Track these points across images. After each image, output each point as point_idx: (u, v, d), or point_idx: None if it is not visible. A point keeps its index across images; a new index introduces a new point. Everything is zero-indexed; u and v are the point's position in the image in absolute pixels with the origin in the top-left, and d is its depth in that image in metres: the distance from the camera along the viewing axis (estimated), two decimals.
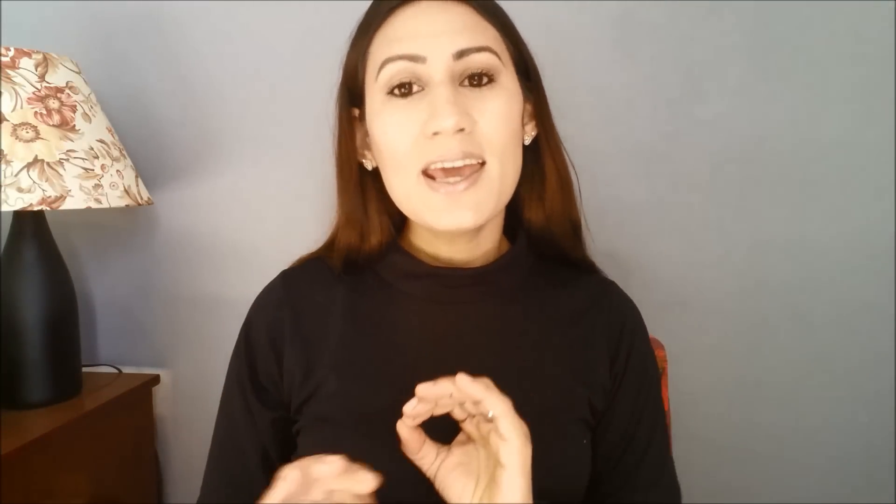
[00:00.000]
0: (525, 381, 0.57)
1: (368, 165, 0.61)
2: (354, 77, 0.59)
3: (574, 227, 0.65)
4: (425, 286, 0.61)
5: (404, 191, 0.56)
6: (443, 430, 0.51)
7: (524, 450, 0.45)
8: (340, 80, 0.61)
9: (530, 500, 0.45)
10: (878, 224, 1.04)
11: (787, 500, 1.10)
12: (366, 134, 0.60)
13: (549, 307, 0.63)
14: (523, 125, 0.60)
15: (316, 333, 0.60)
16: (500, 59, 0.55)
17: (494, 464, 0.46)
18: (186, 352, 1.16)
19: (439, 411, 0.48)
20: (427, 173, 0.53)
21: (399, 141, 0.54)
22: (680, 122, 1.05)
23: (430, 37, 0.53)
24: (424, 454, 0.49)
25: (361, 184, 0.61)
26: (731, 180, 1.05)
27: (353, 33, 0.59)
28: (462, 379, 0.44)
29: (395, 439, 0.53)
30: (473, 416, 0.48)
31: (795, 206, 1.05)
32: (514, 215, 0.65)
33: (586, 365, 0.60)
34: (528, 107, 0.61)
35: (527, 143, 0.61)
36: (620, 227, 1.07)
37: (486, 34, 0.55)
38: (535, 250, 0.65)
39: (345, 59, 0.60)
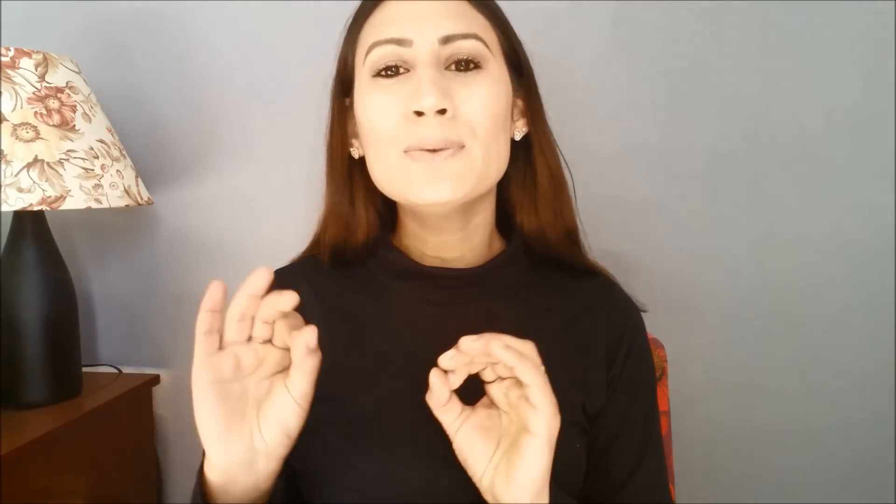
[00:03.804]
0: None
1: (356, 154, 0.61)
2: (345, 66, 0.59)
3: (569, 234, 0.63)
4: (418, 286, 0.60)
5: (385, 169, 0.55)
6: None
7: (553, 420, 0.45)
8: (336, 68, 0.61)
9: (549, 474, 0.45)
10: (878, 225, 1.05)
11: (787, 500, 1.10)
12: (354, 122, 0.60)
13: (546, 309, 0.62)
14: (513, 119, 0.59)
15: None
16: (487, 47, 0.54)
17: (518, 430, 0.46)
18: (186, 352, 1.15)
19: (474, 369, 0.47)
20: (408, 153, 0.54)
21: (382, 120, 0.54)
22: (680, 122, 1.05)
23: (417, 20, 0.53)
24: (449, 409, 0.48)
25: (349, 175, 0.62)
26: (731, 180, 1.05)
27: (346, 26, 0.60)
28: (500, 342, 0.44)
29: (389, 442, 0.53)
30: (504, 380, 0.48)
31: (795, 207, 1.05)
32: (508, 216, 0.65)
33: (582, 369, 0.60)
34: (519, 102, 0.61)
35: (517, 138, 0.61)
36: (621, 227, 1.07)
37: (475, 22, 0.55)
38: (531, 252, 0.64)
39: (338, 52, 0.61)
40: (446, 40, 0.53)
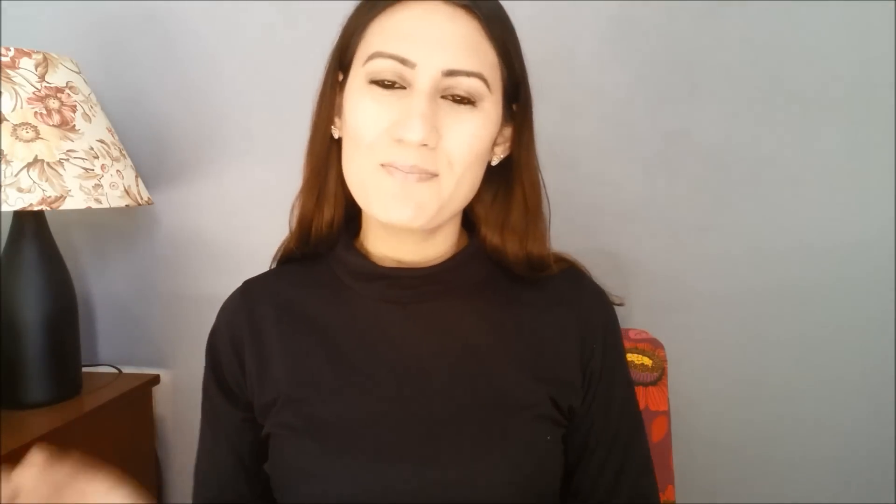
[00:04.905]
0: (481, 379, 0.57)
1: (335, 133, 0.61)
2: (348, 46, 0.58)
3: (530, 261, 0.62)
4: (379, 287, 0.60)
5: (358, 174, 0.56)
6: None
7: None
8: (336, 42, 0.60)
9: None
10: (877, 223, 1.05)
11: (788, 499, 1.10)
12: (342, 99, 0.59)
13: (512, 303, 0.62)
14: (494, 144, 0.59)
15: (271, 339, 0.61)
16: (488, 86, 0.54)
17: None
18: (186, 352, 1.16)
19: None
20: (384, 167, 0.54)
21: (366, 129, 0.54)
22: (680, 122, 1.05)
23: (426, 44, 0.52)
24: None
25: (327, 153, 0.61)
26: (730, 180, 1.05)
27: (359, 3, 0.58)
28: None
29: (358, 444, 0.53)
30: None
31: (795, 206, 1.05)
32: (473, 223, 0.65)
33: (550, 362, 0.59)
34: (506, 131, 0.60)
35: (493, 163, 0.60)
36: (621, 227, 1.07)
37: (483, 58, 0.54)
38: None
39: (345, 22, 0.59)
40: (450, 73, 0.52)
